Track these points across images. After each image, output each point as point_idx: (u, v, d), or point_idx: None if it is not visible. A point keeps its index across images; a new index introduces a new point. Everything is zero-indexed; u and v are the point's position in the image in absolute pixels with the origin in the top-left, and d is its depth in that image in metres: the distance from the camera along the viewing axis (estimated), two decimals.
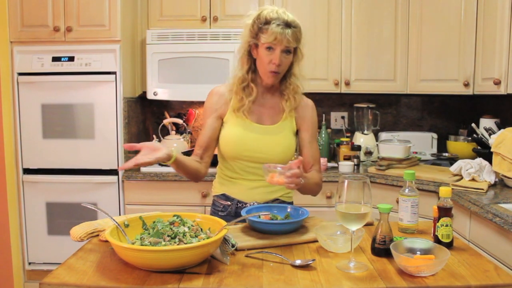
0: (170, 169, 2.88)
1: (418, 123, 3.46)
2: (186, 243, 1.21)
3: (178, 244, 1.21)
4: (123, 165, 1.53)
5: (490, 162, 2.30)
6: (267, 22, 1.61)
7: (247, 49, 1.69)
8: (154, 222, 1.33)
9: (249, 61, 1.70)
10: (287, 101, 1.72)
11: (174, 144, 3.01)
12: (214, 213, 1.80)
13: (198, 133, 3.45)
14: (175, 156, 1.50)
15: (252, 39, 1.66)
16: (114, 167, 2.87)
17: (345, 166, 2.84)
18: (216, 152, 1.80)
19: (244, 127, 1.70)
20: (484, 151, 2.54)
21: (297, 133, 1.79)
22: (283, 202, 1.77)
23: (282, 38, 1.59)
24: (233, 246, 1.31)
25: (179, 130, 3.21)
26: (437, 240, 1.36)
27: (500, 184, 2.30)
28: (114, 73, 2.83)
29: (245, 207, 1.71)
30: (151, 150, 1.43)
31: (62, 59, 2.84)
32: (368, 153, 3.14)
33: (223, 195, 1.78)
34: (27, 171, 2.92)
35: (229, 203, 1.75)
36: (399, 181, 2.55)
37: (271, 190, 1.75)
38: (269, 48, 1.62)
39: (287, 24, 1.61)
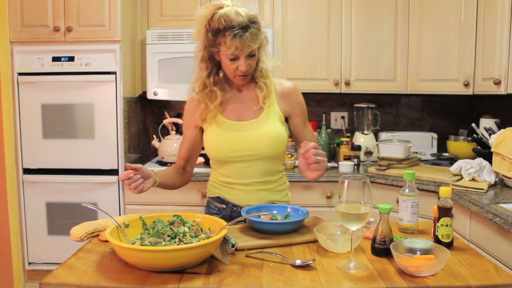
0: None
1: (418, 123, 3.46)
2: (186, 243, 1.21)
3: (178, 244, 1.21)
4: (122, 174, 1.50)
5: (490, 162, 2.30)
6: (221, 31, 1.49)
7: (205, 55, 1.59)
8: (154, 222, 1.33)
9: (210, 66, 1.61)
10: (259, 88, 1.63)
11: (174, 144, 3.00)
12: (208, 214, 1.77)
13: None
14: (157, 181, 1.58)
15: (211, 48, 1.55)
16: (114, 167, 2.87)
17: (345, 166, 2.84)
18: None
19: (225, 129, 1.64)
20: (484, 151, 2.54)
21: (286, 120, 1.71)
22: None
23: (242, 46, 1.48)
24: (233, 246, 1.31)
25: (179, 130, 3.21)
26: (437, 240, 1.36)
27: (500, 184, 2.30)
28: (114, 73, 2.83)
29: (239, 210, 1.66)
30: (145, 177, 1.51)
31: (62, 59, 2.84)
32: (368, 153, 3.14)
33: (218, 197, 1.74)
34: (27, 171, 2.91)
35: (224, 206, 1.71)
36: (399, 181, 2.55)
37: (267, 195, 1.70)
38: (232, 59, 1.53)
39: (244, 27, 1.48)
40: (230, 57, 1.53)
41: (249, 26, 1.49)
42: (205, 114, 1.65)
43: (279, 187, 1.74)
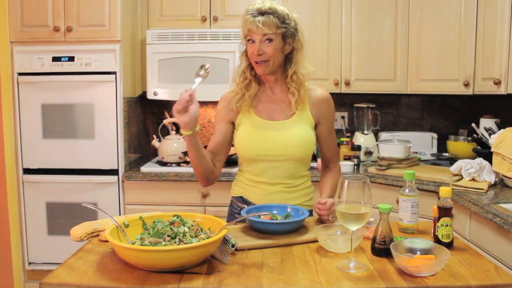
0: (170, 169, 2.89)
1: (418, 123, 3.46)
2: (186, 243, 1.21)
3: (178, 244, 1.21)
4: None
5: (490, 162, 2.30)
6: (244, 15, 1.63)
7: (245, 47, 1.69)
8: (154, 222, 1.33)
9: (248, 59, 1.69)
10: (292, 94, 1.68)
11: (174, 144, 3.01)
12: (231, 214, 1.79)
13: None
14: (198, 128, 1.51)
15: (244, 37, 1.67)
16: (114, 167, 2.87)
17: (345, 166, 2.84)
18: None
19: (256, 126, 1.68)
20: (484, 151, 2.54)
21: (315, 126, 1.74)
22: None
23: (253, 27, 1.58)
24: (233, 246, 1.31)
25: (179, 130, 3.21)
26: (437, 240, 1.36)
27: (500, 184, 2.30)
28: (114, 73, 2.83)
29: None
30: (184, 110, 1.44)
31: (62, 59, 2.84)
32: (368, 153, 3.14)
33: (241, 197, 1.76)
34: (27, 171, 2.92)
35: (245, 206, 1.72)
36: (399, 181, 2.55)
37: (290, 197, 1.71)
38: (250, 41, 1.63)
39: (260, 12, 1.59)
40: (247, 38, 1.63)
41: (266, 12, 1.59)
42: (241, 102, 1.69)
43: (303, 191, 1.76)
